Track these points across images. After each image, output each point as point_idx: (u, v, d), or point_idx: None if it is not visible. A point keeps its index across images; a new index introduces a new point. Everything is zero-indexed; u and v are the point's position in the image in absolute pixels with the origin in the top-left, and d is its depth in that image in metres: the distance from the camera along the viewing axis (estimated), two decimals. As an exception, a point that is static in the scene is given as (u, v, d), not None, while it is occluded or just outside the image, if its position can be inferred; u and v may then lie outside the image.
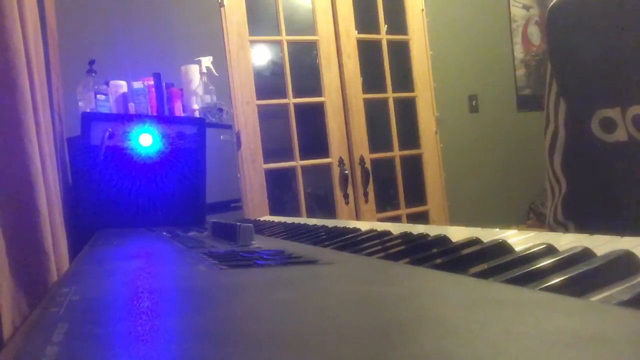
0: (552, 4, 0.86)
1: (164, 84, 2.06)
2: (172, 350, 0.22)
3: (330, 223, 1.03)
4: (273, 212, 2.58)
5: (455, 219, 3.08)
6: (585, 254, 0.45)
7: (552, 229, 0.86)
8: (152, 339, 0.24)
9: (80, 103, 2.01)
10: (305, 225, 1.07)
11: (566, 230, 0.85)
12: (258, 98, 2.64)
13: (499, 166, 3.44)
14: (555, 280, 0.38)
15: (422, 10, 3.05)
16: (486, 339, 0.22)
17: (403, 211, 2.98)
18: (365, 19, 2.93)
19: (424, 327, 0.25)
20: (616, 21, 0.77)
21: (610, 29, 0.77)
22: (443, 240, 0.63)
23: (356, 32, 2.88)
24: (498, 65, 3.52)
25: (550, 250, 0.49)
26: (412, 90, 3.03)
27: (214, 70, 2.24)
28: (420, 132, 3.03)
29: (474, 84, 3.41)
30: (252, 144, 2.61)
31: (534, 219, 3.46)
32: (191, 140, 1.58)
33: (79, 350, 0.22)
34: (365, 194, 2.84)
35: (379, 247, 0.66)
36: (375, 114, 2.97)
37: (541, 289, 0.36)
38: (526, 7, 3.65)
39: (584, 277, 0.39)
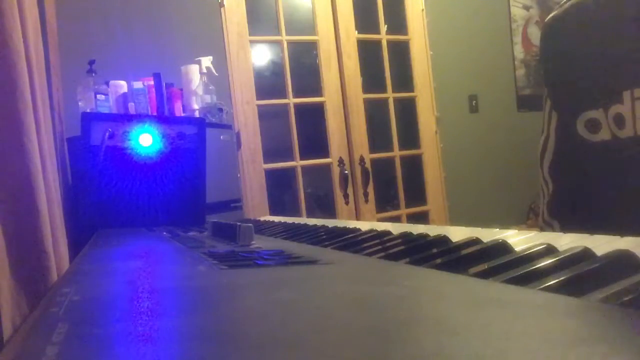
0: (546, 20, 0.92)
1: (164, 84, 2.06)
2: (172, 350, 0.22)
3: (330, 223, 1.03)
4: (273, 212, 2.58)
5: (455, 219, 3.08)
6: (585, 254, 0.45)
7: (541, 230, 0.90)
8: (152, 339, 0.24)
9: (80, 103, 2.01)
10: (305, 225, 1.07)
11: (552, 229, 0.89)
12: (258, 98, 2.64)
13: (499, 166, 3.44)
14: (555, 280, 0.38)
15: (422, 10, 3.05)
16: (486, 339, 0.22)
17: (403, 211, 2.98)
18: (365, 19, 2.93)
19: (424, 327, 0.25)
20: (601, 32, 0.82)
21: (597, 39, 0.83)
22: (443, 240, 0.63)
23: (356, 32, 2.88)
24: (498, 65, 3.52)
25: (550, 250, 0.49)
26: (412, 90, 3.03)
27: (214, 70, 2.24)
28: (420, 132, 3.03)
29: (474, 84, 3.41)
30: (252, 144, 2.61)
31: (533, 219, 3.46)
32: (191, 140, 1.58)
33: (79, 350, 0.22)
34: (365, 194, 2.84)
35: (379, 247, 0.66)
36: (375, 114, 2.97)
37: (541, 289, 0.36)
38: (526, 7, 3.65)
39: (584, 277, 0.39)
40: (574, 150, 0.87)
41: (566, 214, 0.90)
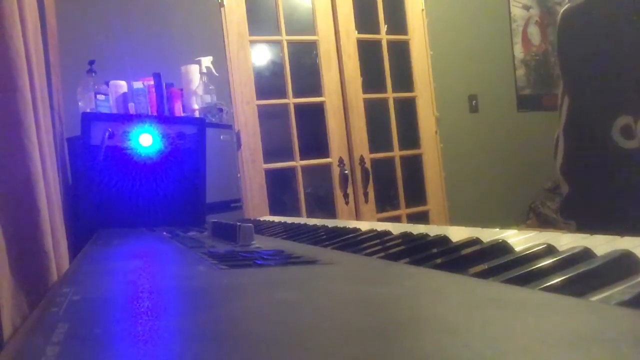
0: (564, 9, 0.89)
1: (164, 84, 2.06)
2: (172, 350, 0.22)
3: (330, 223, 1.03)
4: (273, 212, 2.58)
5: (455, 219, 3.08)
6: (585, 254, 0.45)
7: (560, 226, 0.90)
8: (152, 339, 0.24)
9: (80, 103, 2.01)
10: (305, 225, 1.07)
11: (568, 229, 0.88)
12: (258, 98, 2.64)
13: (499, 166, 3.44)
14: (555, 280, 0.38)
15: (422, 10, 3.05)
16: (486, 339, 0.22)
17: (403, 211, 2.98)
18: (365, 19, 2.93)
19: (424, 327, 0.25)
20: (626, 28, 0.80)
21: (622, 36, 0.80)
22: (443, 240, 0.63)
23: (356, 32, 2.88)
24: (498, 65, 3.52)
25: (550, 250, 0.49)
26: (412, 90, 3.03)
27: (214, 70, 2.24)
28: (420, 132, 3.03)
29: (474, 84, 3.40)
30: (252, 144, 2.61)
31: (534, 219, 3.46)
32: (191, 140, 1.58)
33: (79, 350, 0.22)
34: (365, 194, 2.84)
35: (379, 247, 0.66)
36: (375, 114, 2.97)
37: (541, 289, 0.36)
38: (526, 7, 3.65)
39: (584, 277, 0.39)
40: (600, 153, 0.85)
41: (583, 215, 0.89)
